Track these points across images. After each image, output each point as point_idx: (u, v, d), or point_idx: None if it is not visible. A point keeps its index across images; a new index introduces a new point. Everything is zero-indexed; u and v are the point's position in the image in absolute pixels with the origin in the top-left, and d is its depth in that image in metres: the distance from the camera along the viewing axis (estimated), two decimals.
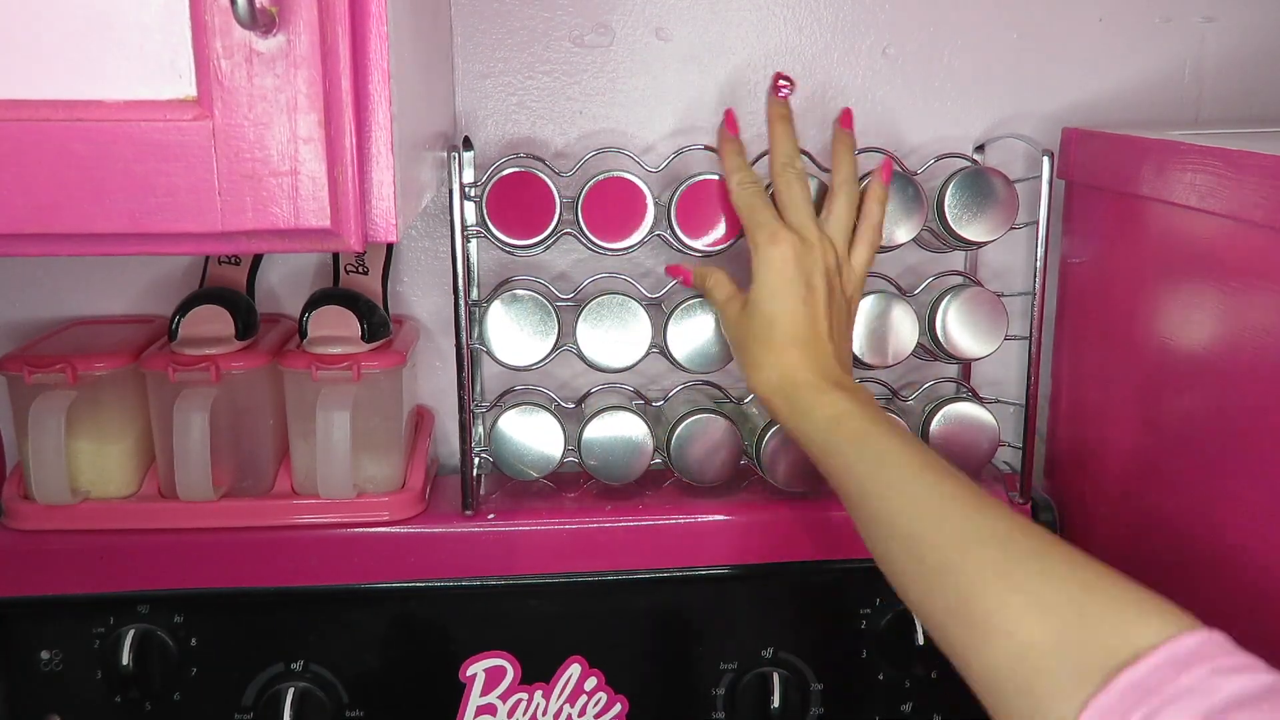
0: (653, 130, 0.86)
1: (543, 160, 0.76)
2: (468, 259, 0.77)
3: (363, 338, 0.78)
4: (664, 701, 0.83)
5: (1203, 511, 0.69)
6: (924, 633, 0.81)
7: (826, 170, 0.79)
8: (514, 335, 0.77)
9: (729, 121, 0.75)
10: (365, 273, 0.83)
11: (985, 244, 0.79)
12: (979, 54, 0.87)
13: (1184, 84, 0.89)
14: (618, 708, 0.83)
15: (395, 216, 0.53)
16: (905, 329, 0.79)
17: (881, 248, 0.77)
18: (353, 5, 0.49)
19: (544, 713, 0.82)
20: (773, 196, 0.72)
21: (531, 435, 0.79)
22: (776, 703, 0.81)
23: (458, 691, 0.81)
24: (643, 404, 0.82)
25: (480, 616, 0.81)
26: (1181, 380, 0.71)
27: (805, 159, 0.79)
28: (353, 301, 0.78)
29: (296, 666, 0.80)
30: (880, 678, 0.84)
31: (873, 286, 0.79)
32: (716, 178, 0.75)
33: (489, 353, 0.77)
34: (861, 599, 0.83)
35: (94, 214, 0.50)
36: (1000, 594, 0.51)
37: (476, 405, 0.82)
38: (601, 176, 0.75)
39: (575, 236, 0.77)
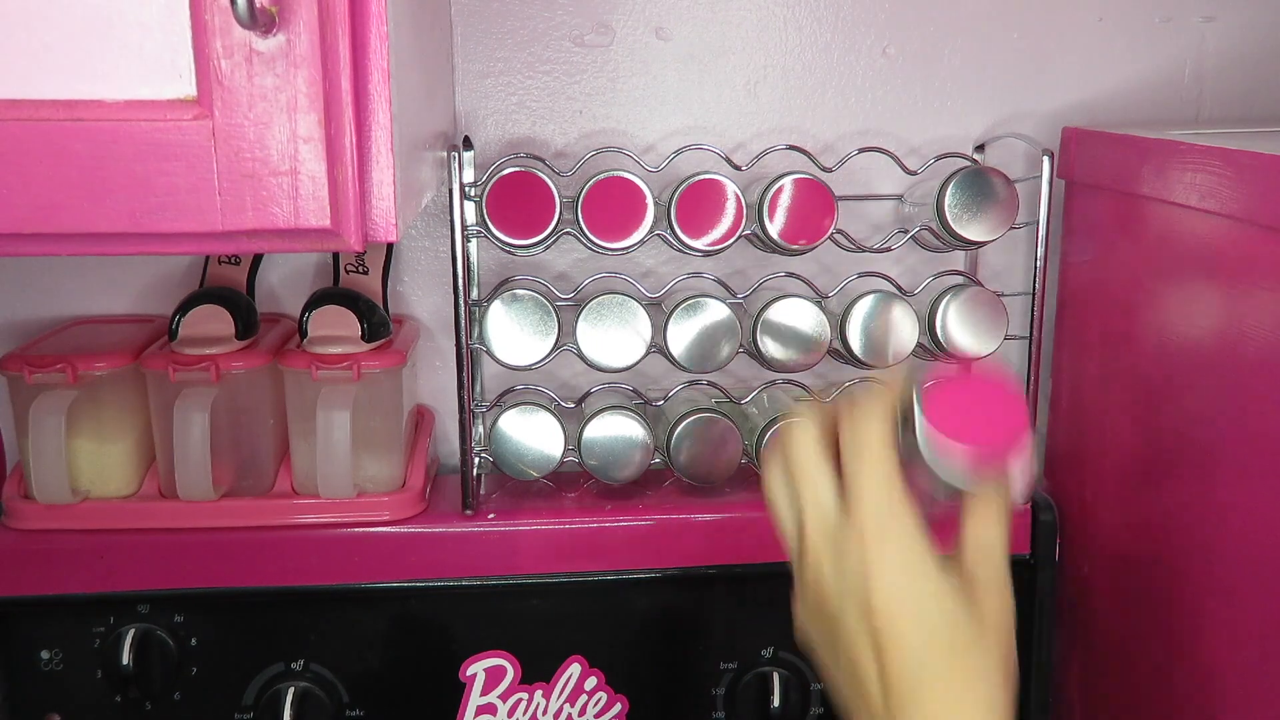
0: (653, 130, 0.86)
1: (543, 160, 0.76)
2: (468, 259, 0.77)
3: (363, 337, 0.78)
4: (664, 701, 0.83)
5: (1203, 511, 0.69)
6: None
7: (827, 169, 0.79)
8: (514, 335, 0.77)
9: None
10: (365, 272, 0.83)
11: (985, 244, 0.79)
12: (979, 54, 0.87)
13: (1184, 84, 0.89)
14: (618, 707, 0.83)
15: (395, 216, 0.53)
16: (905, 329, 0.79)
17: (881, 249, 0.77)
18: (353, 5, 0.49)
19: (544, 712, 0.82)
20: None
21: (531, 435, 0.79)
22: (776, 703, 0.81)
23: (458, 691, 0.81)
24: (643, 404, 0.82)
25: (480, 616, 0.81)
26: (1181, 380, 0.71)
27: (803, 156, 0.80)
28: (353, 301, 0.78)
29: (297, 666, 0.80)
30: None
31: (872, 286, 0.79)
32: (716, 178, 0.75)
33: (489, 353, 0.77)
34: None
35: (94, 214, 0.50)
36: None
37: (476, 405, 0.82)
38: (601, 176, 0.75)
39: (575, 236, 0.77)
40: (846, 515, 0.48)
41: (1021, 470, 0.48)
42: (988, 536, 0.48)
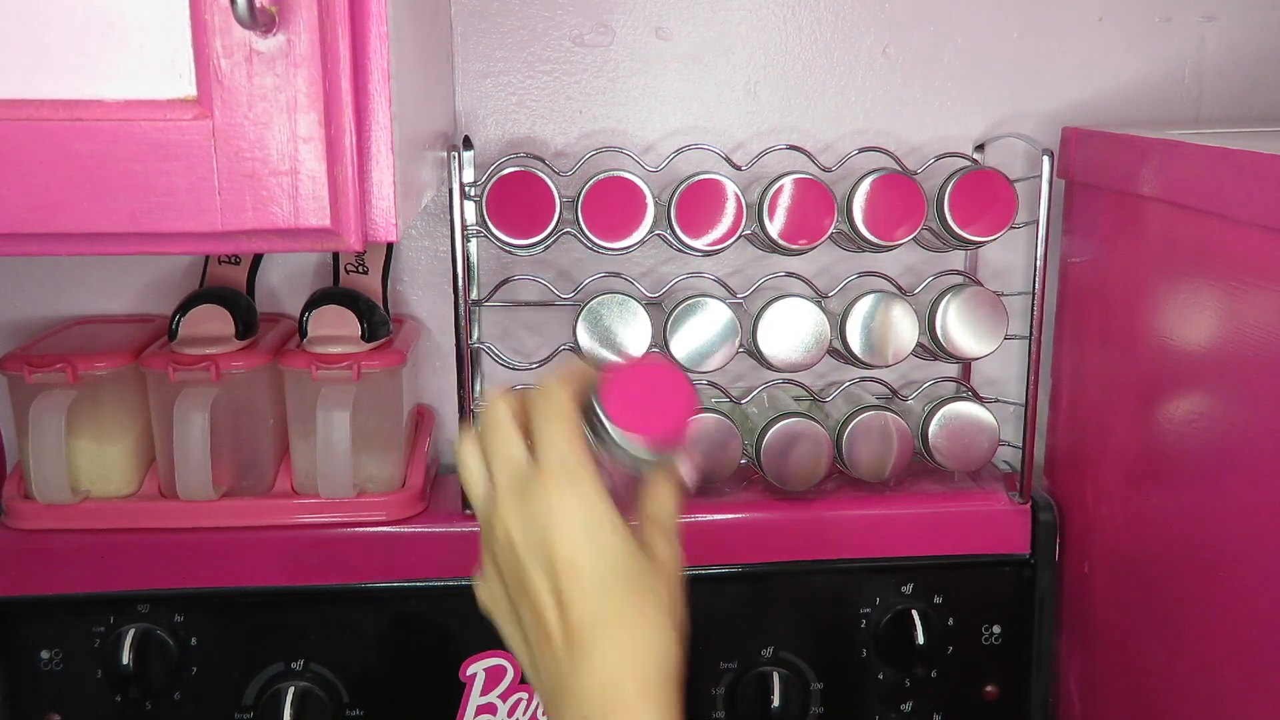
0: (653, 130, 0.86)
1: (543, 160, 0.76)
2: (468, 258, 0.77)
3: (363, 337, 0.78)
4: None
5: (1203, 511, 0.69)
6: (924, 632, 0.81)
7: (827, 169, 0.79)
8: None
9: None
10: (365, 272, 0.83)
11: (985, 243, 0.79)
12: (979, 53, 0.87)
13: (1184, 84, 0.89)
14: None
15: (395, 216, 0.53)
16: (905, 329, 0.79)
17: (881, 246, 0.77)
18: (353, 5, 0.49)
19: (544, 712, 0.82)
20: None
21: None
22: (776, 702, 0.81)
23: (458, 691, 0.81)
24: None
25: (480, 616, 0.81)
26: (1182, 380, 0.71)
27: (803, 155, 0.80)
28: (353, 301, 0.78)
29: (297, 666, 0.80)
30: (880, 678, 0.84)
31: (872, 286, 0.79)
32: (716, 178, 0.75)
33: (489, 352, 0.77)
34: (861, 599, 0.83)
35: (94, 214, 0.50)
36: None
37: (476, 405, 0.82)
38: (601, 176, 0.75)
39: (575, 236, 0.77)
40: (534, 469, 0.51)
41: (688, 451, 0.55)
42: (662, 505, 0.54)
